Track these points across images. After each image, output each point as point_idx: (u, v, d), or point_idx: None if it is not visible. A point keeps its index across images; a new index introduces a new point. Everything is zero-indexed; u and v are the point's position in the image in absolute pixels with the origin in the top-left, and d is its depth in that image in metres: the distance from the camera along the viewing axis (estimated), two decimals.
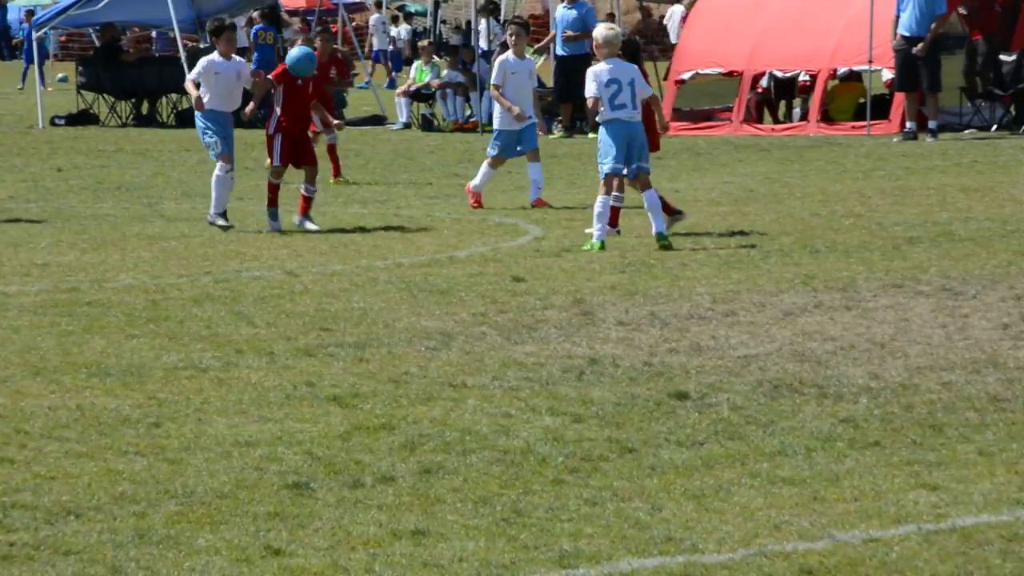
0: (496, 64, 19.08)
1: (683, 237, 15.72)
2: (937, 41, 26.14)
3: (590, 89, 15.41)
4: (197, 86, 16.88)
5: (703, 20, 29.58)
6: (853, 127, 27.53)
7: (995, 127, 27.63)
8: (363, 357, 10.68)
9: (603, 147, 15.51)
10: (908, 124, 26.35)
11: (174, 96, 33.28)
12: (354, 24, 51.94)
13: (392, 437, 8.72)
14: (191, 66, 31.56)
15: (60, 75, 48.01)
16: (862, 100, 27.98)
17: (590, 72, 15.58)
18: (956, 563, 6.67)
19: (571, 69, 28.03)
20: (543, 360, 10.54)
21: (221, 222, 16.71)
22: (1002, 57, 27.60)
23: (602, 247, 15.16)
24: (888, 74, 27.28)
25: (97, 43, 34.01)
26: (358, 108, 35.01)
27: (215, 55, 17.04)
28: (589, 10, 29.77)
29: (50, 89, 42.61)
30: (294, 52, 17.31)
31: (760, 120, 28.83)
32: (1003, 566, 6.63)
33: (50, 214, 18.60)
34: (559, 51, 29.37)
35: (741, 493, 7.66)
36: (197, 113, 16.97)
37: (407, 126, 31.78)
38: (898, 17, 26.30)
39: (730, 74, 28.55)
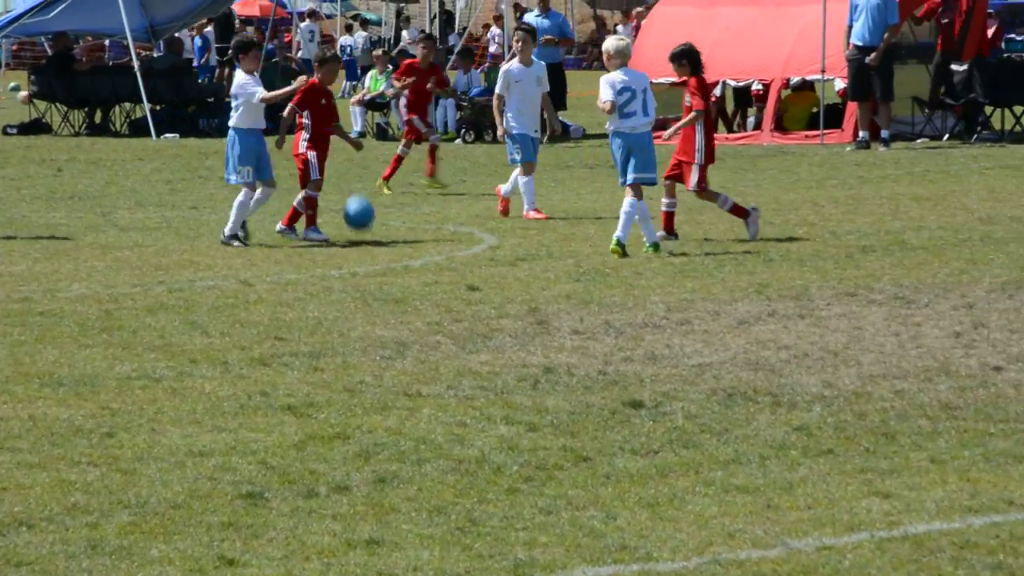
0: (500, 73, 18.74)
1: (637, 246, 15.74)
2: (890, 51, 26.28)
3: (605, 94, 15.48)
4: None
5: (656, 30, 29.65)
6: (806, 136, 27.65)
7: (947, 136, 27.80)
8: (318, 366, 10.66)
9: (615, 160, 15.69)
10: (861, 133, 26.49)
11: (127, 105, 33.16)
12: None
13: (347, 446, 8.71)
14: (144, 75, 31.68)
15: (12, 84, 47.77)
16: (815, 109, 28.11)
17: (604, 80, 15.68)
18: (908, 570, 6.71)
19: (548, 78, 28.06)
20: (498, 369, 10.54)
21: (236, 243, 16.35)
22: (953, 67, 27.78)
23: (656, 248, 15.25)
24: (841, 83, 27.43)
25: (49, 52, 33.81)
26: None
27: (244, 74, 16.57)
28: (564, 20, 29.80)
29: (2, 98, 42.39)
30: (355, 206, 16.81)
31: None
32: (955, 573, 6.67)
33: (2, 223, 18.50)
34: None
35: (695, 501, 7.67)
36: (242, 135, 16.47)
37: (362, 135, 31.76)
38: (851, 27, 26.44)
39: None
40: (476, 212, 19.10)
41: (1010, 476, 8.00)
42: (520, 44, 18.77)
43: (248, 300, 13.16)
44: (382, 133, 31.36)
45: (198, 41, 41.47)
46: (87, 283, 14.16)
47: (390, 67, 31.41)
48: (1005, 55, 33.24)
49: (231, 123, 16.74)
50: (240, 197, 16.56)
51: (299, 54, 42.88)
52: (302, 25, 45.80)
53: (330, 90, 17.09)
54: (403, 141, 21.58)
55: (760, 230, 16.12)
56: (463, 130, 29.81)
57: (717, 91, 28.87)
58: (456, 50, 35.54)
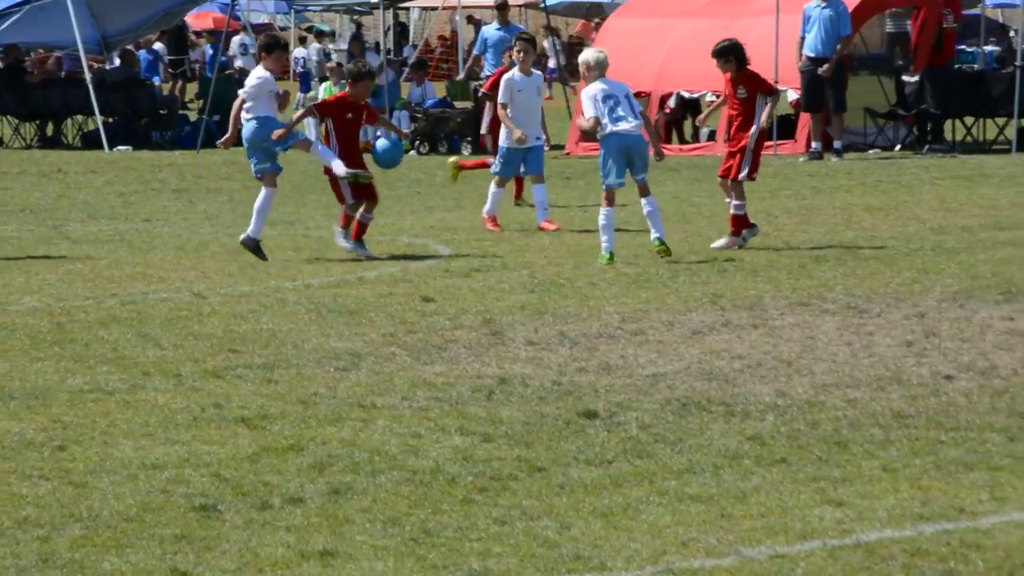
0: (502, 82, 18.57)
1: (590, 256, 15.77)
2: (842, 62, 26.42)
3: (588, 110, 15.55)
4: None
5: (610, 41, 29.69)
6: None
7: (898, 147, 27.95)
8: (271, 378, 10.64)
9: (601, 161, 15.71)
10: (814, 144, 26.60)
11: (79, 117, 33.03)
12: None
13: (301, 458, 8.69)
14: (97, 87, 31.57)
15: None
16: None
17: (584, 93, 15.75)
18: None
19: None
20: (452, 380, 10.54)
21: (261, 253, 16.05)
22: (905, 78, 27.94)
23: (611, 259, 15.31)
24: (794, 95, 27.54)
25: (0, 64, 33.66)
26: None
27: (265, 72, 16.24)
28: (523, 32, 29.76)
29: None
30: (384, 145, 16.73)
31: (668, 140, 29.00)
32: None
33: None
34: (488, 71, 29.19)
35: (649, 511, 7.69)
36: (261, 122, 16.07)
37: None
38: (803, 38, 26.56)
39: (638, 95, 28.66)
40: (431, 223, 19.09)
41: (961, 484, 8.05)
42: (522, 55, 18.71)
43: (202, 312, 13.13)
44: None
45: (146, 55, 41.22)
46: (39, 296, 14.09)
47: (343, 81, 31.38)
48: (956, 66, 33.45)
49: (251, 115, 16.16)
50: (263, 197, 16.18)
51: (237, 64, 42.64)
52: (235, 39, 45.25)
53: (360, 105, 16.30)
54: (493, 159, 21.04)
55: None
56: (417, 142, 29.81)
57: (671, 102, 29.00)
58: (410, 62, 35.53)
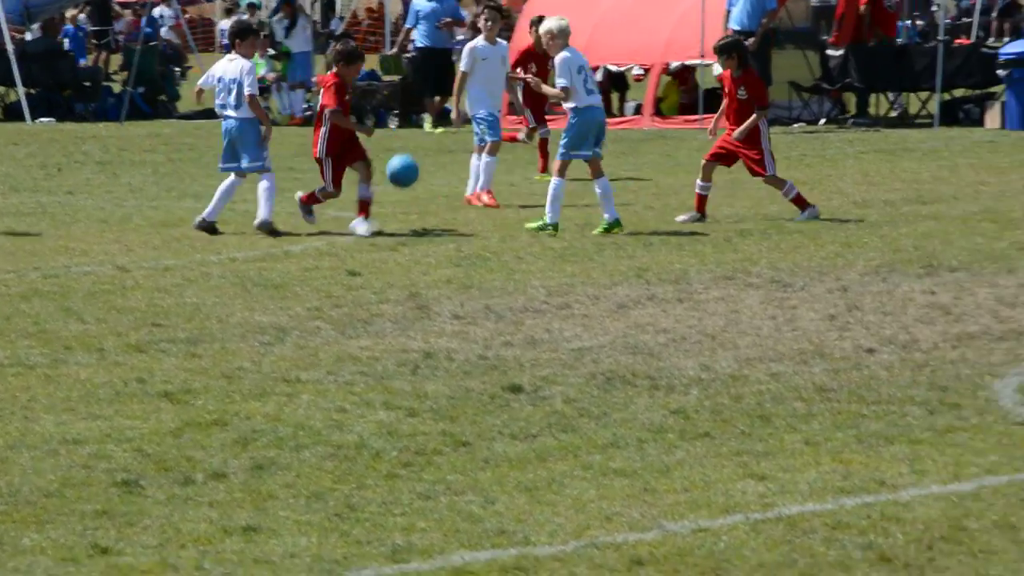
0: (465, 51, 18.29)
1: (516, 230, 15.77)
2: (767, 36, 26.51)
3: (563, 79, 15.47)
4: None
5: (539, 12, 29.67)
6: (685, 121, 27.82)
7: (823, 121, 28.09)
8: (195, 353, 10.59)
9: (574, 134, 15.56)
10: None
11: (1, 89, 32.66)
12: (187, 17, 51.39)
13: (224, 433, 8.65)
14: (19, 58, 31.19)
15: None
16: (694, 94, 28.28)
17: (559, 61, 15.55)
18: (782, 551, 6.78)
19: (432, 62, 28.08)
20: (378, 354, 10.52)
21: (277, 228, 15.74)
22: (829, 52, 28.08)
23: (556, 229, 15.32)
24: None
25: None
26: (192, 102, 34.62)
27: (245, 60, 16.05)
28: (457, 2, 29.66)
29: None
30: (399, 163, 16.32)
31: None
32: (827, 553, 6.76)
33: None
34: (419, 43, 29.08)
35: (573, 485, 7.71)
36: (243, 122, 15.99)
37: None
38: (729, 12, 26.64)
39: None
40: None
41: (881, 457, 8.12)
42: (489, 23, 18.44)
43: (125, 286, 13.03)
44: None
45: (72, 29, 40.71)
46: None
47: (270, 51, 31.21)
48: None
49: (236, 114, 16.03)
50: (265, 183, 15.86)
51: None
52: (155, 10, 44.67)
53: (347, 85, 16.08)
54: (524, 130, 20.79)
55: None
56: None
57: (598, 76, 29.02)
58: (337, 34, 35.35)
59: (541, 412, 9.06)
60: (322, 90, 16.22)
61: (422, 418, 8.97)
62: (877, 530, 7.00)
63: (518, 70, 19.49)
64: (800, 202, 16.36)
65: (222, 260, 14.40)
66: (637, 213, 17.06)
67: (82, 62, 37.93)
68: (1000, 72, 26.34)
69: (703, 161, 16.70)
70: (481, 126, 18.07)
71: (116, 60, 39.74)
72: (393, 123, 29.39)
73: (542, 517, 7.24)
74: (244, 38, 16.36)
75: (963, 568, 6.57)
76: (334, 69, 16.03)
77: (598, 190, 15.67)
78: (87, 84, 32.77)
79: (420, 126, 28.86)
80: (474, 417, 8.98)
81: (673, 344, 10.75)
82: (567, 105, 15.59)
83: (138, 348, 10.71)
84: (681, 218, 16.40)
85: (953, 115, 27.52)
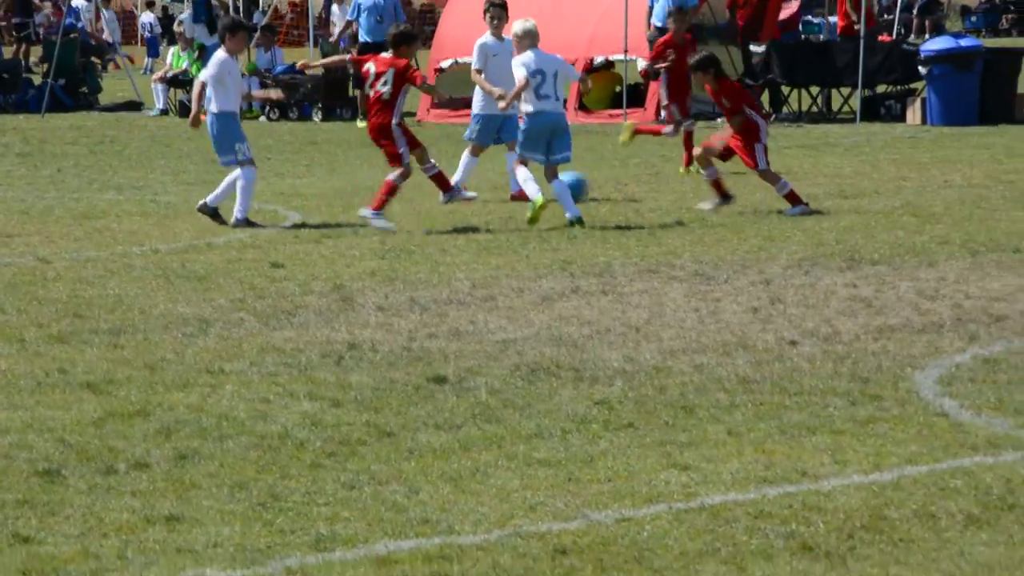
0: (476, 48, 17.91)
1: (441, 223, 15.77)
2: (693, 32, 26.62)
3: (519, 74, 15.48)
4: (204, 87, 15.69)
5: (461, 7, 29.67)
6: (609, 115, 27.90)
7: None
8: (118, 343, 10.52)
9: (523, 138, 15.71)
10: (663, 113, 26.76)
11: None
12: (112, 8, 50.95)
13: (147, 423, 8.61)
14: None
15: None
16: (618, 89, 28.37)
17: (516, 61, 15.73)
18: (704, 540, 6.82)
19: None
20: (302, 345, 10.50)
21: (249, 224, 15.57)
22: (752, 48, 28.24)
23: (543, 203, 15.26)
24: (643, 63, 27.71)
25: None
26: (113, 94, 34.43)
27: (225, 53, 15.85)
28: None
29: None
30: (570, 178, 16.12)
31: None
32: (749, 542, 6.80)
33: None
34: (361, 37, 28.89)
35: (498, 475, 7.73)
36: (220, 119, 15.70)
37: (164, 112, 31.38)
38: (652, 8, 26.74)
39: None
40: (281, 190, 18.97)
41: (803, 447, 8.18)
42: (496, 21, 18.26)
43: (46, 277, 12.94)
44: (185, 110, 30.95)
45: None
46: None
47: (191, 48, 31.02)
48: (803, 36, 33.87)
49: (212, 108, 15.76)
50: (246, 176, 15.65)
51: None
52: (75, 2, 44.12)
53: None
54: (670, 126, 20.59)
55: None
56: (267, 108, 29.58)
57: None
58: (260, 27, 35.19)
59: (465, 403, 9.07)
60: (391, 72, 15.45)
61: (346, 409, 8.96)
62: (799, 519, 7.06)
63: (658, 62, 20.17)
64: (793, 198, 16.42)
65: (145, 251, 14.31)
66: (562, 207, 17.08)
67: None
68: (921, 69, 26.58)
69: (698, 151, 16.90)
70: (477, 125, 17.92)
71: (36, 52, 39.41)
72: (317, 116, 29.30)
73: (466, 507, 7.25)
74: (234, 33, 16.21)
75: (883, 557, 6.63)
76: (391, 52, 15.66)
77: (554, 191, 15.72)
78: (6, 76, 32.48)
79: (344, 119, 28.78)
80: (398, 408, 8.98)
81: (597, 336, 10.78)
82: (521, 108, 15.74)
83: (60, 339, 10.64)
84: (705, 206, 16.50)
85: (875, 111, 27.74)
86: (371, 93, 15.66)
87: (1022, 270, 13.04)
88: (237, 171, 15.88)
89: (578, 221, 15.56)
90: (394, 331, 10.95)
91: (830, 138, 25.00)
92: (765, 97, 29.14)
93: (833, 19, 31.75)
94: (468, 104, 31.51)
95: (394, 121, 15.56)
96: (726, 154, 16.90)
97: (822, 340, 10.59)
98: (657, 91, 27.06)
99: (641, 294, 12.23)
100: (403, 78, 15.52)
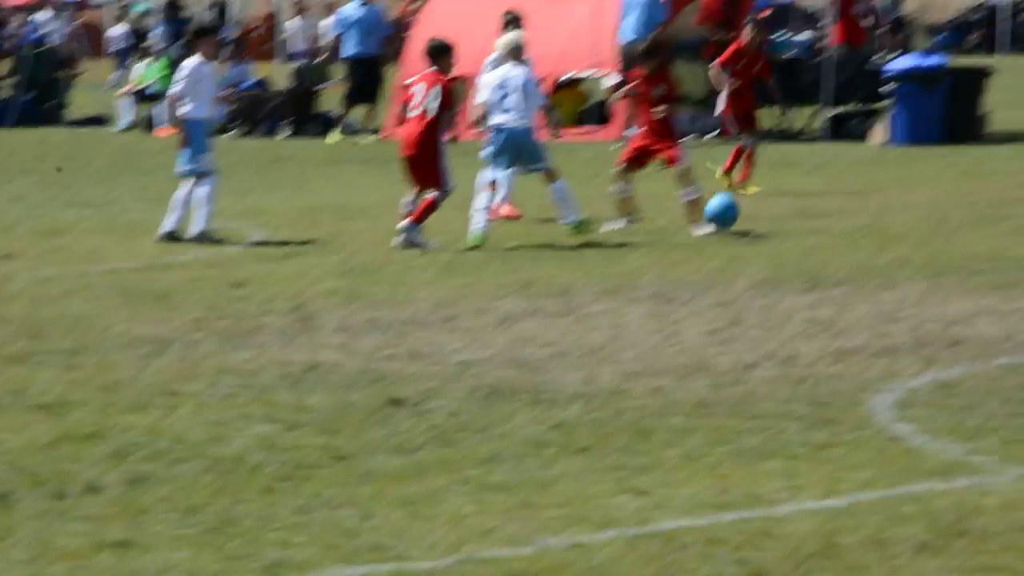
0: (485, 64, 17.78)
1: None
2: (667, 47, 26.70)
3: (480, 97, 15.58)
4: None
5: (431, 24, 29.67)
6: (578, 132, 27.92)
7: (715, 133, 28.26)
8: (74, 364, 10.48)
9: (490, 151, 15.87)
10: (628, 130, 26.81)
11: None
12: (81, 21, 50.85)
13: (101, 446, 8.57)
14: None
15: None
16: (584, 106, 28.40)
17: (481, 80, 15.92)
18: (658, 566, 6.82)
19: (363, 71, 27.99)
20: (260, 367, 10.47)
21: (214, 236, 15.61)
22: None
23: (482, 240, 15.29)
24: (610, 81, 27.74)
25: None
26: (80, 108, 34.33)
27: (199, 59, 15.87)
28: (382, 10, 29.55)
29: None
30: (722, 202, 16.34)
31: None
32: (701, 568, 6.80)
33: None
34: (350, 51, 28.83)
35: (451, 500, 7.71)
36: (188, 125, 15.68)
37: (130, 128, 31.29)
38: (622, 24, 26.79)
39: (456, 79, 28.66)
40: (244, 207, 18.92)
41: (758, 472, 8.18)
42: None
43: (3, 296, 12.88)
44: (149, 125, 30.88)
45: None
46: None
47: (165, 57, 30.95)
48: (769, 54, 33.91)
49: (185, 114, 15.77)
50: (208, 184, 15.67)
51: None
52: (37, 15, 43.89)
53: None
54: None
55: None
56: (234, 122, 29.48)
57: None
58: (227, 41, 35.13)
59: (422, 426, 9.05)
60: (428, 87, 15.52)
61: (303, 431, 8.93)
62: (751, 546, 7.06)
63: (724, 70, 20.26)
64: (695, 211, 16.46)
65: (104, 271, 14.26)
66: (525, 226, 17.08)
67: None
68: (886, 88, 26.66)
69: (618, 166, 16.93)
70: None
71: (5, 65, 39.26)
72: (284, 132, 29.24)
73: (419, 532, 7.23)
74: (205, 38, 16.23)
75: None
76: (435, 68, 15.68)
77: (554, 196, 15.87)
78: None
79: (311, 135, 28.73)
80: (355, 431, 8.96)
81: (556, 358, 10.78)
82: (488, 122, 15.92)
83: (15, 359, 10.59)
84: (612, 226, 16.40)
85: (839, 130, 27.81)
86: (412, 114, 15.55)
87: (981, 293, 13.08)
88: (186, 188, 15.84)
89: (578, 225, 15.58)
90: (353, 352, 10.93)
91: (794, 157, 25.05)
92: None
93: (800, 37, 31.80)
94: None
95: (444, 138, 15.57)
96: (643, 160, 16.93)
97: (780, 363, 10.60)
98: (624, 108, 27.18)
99: (601, 315, 12.23)
100: (449, 92, 15.59)
